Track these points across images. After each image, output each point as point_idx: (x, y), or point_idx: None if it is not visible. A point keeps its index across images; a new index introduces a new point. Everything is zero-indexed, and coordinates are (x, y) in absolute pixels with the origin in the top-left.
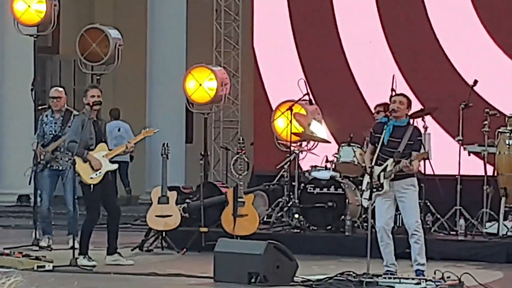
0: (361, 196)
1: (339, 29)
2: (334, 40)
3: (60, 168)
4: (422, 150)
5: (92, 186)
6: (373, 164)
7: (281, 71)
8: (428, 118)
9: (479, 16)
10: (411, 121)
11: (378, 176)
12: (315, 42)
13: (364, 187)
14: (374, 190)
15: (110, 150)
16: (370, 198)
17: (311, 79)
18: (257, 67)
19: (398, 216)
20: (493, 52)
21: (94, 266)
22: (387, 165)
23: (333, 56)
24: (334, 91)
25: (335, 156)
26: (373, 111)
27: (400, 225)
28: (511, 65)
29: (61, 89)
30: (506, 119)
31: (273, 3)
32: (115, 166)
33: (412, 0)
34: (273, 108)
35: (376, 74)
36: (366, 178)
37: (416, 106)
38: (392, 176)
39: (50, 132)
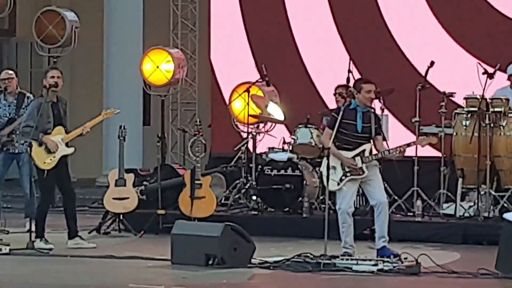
0: (321, 178)
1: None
2: (285, 24)
3: (16, 151)
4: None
5: (46, 171)
6: (332, 147)
7: (237, 52)
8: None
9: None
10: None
11: (354, 159)
12: (269, 23)
13: (326, 169)
14: (349, 174)
15: (67, 133)
16: (338, 183)
17: (265, 61)
18: (213, 49)
19: (357, 198)
20: (443, 38)
21: (51, 249)
22: (364, 149)
23: (285, 39)
24: (287, 74)
25: (292, 138)
26: (334, 92)
27: (358, 206)
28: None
29: (11, 71)
30: (464, 100)
31: None
32: (71, 150)
33: None
34: (230, 90)
35: (328, 61)
36: (333, 162)
37: None
38: (371, 161)
39: (5, 115)
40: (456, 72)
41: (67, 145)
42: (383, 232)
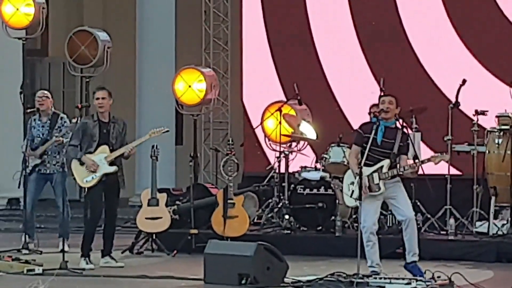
0: (343, 195)
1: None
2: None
3: (48, 171)
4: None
5: (86, 188)
6: (362, 164)
7: (270, 72)
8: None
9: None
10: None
11: (371, 176)
12: (302, 44)
13: (346, 186)
14: (368, 191)
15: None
16: (360, 199)
17: (298, 80)
18: (246, 68)
19: (388, 216)
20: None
21: (92, 269)
22: (382, 166)
23: (318, 58)
24: (322, 93)
25: (324, 157)
26: (369, 111)
27: (391, 225)
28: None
29: (46, 91)
30: (496, 118)
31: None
32: (113, 168)
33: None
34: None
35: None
36: (351, 178)
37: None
38: (389, 178)
39: (38, 136)
40: (483, 90)
41: (112, 164)
42: (411, 247)
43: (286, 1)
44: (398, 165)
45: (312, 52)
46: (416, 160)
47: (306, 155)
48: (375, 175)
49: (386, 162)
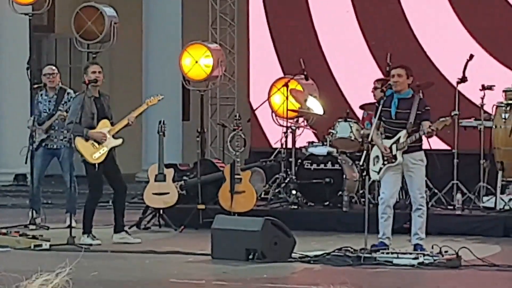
0: (362, 170)
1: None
2: (344, 16)
3: (55, 146)
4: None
5: (96, 165)
6: (371, 136)
7: (277, 47)
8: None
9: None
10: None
11: (390, 148)
12: (318, 16)
13: (364, 160)
14: (386, 162)
15: (113, 125)
16: (378, 172)
17: (307, 56)
18: (252, 43)
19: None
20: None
21: (98, 244)
22: (399, 137)
23: (329, 35)
24: (329, 69)
25: (331, 132)
26: (374, 86)
27: (399, 200)
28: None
29: (54, 67)
30: (503, 93)
31: None
32: (119, 141)
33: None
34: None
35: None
36: (375, 153)
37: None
38: (406, 148)
39: (44, 111)
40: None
41: (114, 137)
42: (416, 229)
43: None
44: (419, 132)
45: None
46: (423, 128)
47: (314, 130)
48: (394, 146)
49: (403, 133)
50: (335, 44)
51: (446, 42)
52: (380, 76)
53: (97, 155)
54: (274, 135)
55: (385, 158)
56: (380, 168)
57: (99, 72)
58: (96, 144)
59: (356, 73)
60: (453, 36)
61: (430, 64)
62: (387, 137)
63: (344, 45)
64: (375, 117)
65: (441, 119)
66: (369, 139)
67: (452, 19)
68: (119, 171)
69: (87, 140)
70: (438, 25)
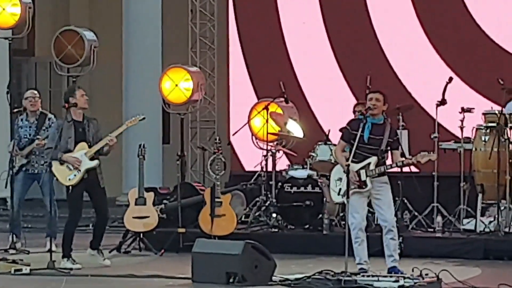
0: (330, 191)
1: (328, 30)
2: (318, 39)
3: (35, 171)
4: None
5: (71, 187)
6: (349, 161)
7: (257, 70)
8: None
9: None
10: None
11: (358, 173)
12: (294, 40)
13: (333, 182)
14: (355, 187)
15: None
16: (348, 196)
17: (286, 79)
18: (232, 66)
19: (372, 215)
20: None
21: (78, 268)
22: (369, 163)
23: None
24: (311, 90)
25: (311, 155)
26: (353, 110)
27: (377, 223)
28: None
29: (36, 91)
30: (483, 116)
31: (248, 2)
32: (94, 162)
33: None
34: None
35: (361, 71)
36: (338, 174)
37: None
38: (376, 175)
39: (25, 136)
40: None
41: (91, 159)
42: (390, 252)
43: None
44: (386, 162)
45: (285, 53)
46: (403, 159)
47: (294, 154)
48: (362, 171)
49: (373, 159)
50: (309, 70)
51: (419, 66)
52: (353, 100)
53: (71, 177)
54: (255, 158)
55: (354, 184)
56: (341, 190)
57: (82, 95)
58: (71, 167)
59: (329, 97)
60: (427, 61)
61: (402, 88)
62: (356, 162)
63: (318, 72)
64: (341, 139)
65: (426, 154)
66: (334, 154)
67: (425, 46)
68: (103, 197)
69: (62, 163)
70: (411, 50)
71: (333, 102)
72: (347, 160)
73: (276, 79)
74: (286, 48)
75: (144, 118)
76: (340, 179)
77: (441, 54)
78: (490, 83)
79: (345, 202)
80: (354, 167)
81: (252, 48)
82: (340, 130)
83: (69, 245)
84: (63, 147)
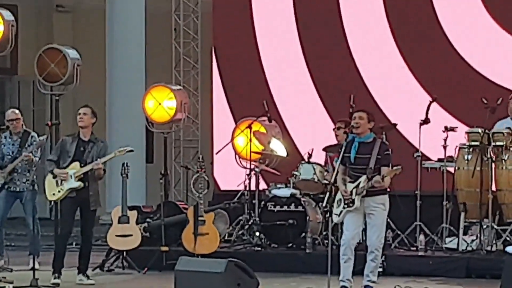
0: (325, 212)
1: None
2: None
3: (18, 189)
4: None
5: (52, 202)
6: (332, 180)
7: (240, 89)
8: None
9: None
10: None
11: (351, 192)
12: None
13: (327, 201)
14: (345, 206)
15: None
16: (339, 215)
17: (269, 97)
18: (216, 86)
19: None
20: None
21: (57, 284)
22: (360, 182)
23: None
24: (294, 109)
25: (294, 174)
26: (334, 127)
27: (361, 241)
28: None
29: (17, 111)
30: (466, 135)
31: (232, 22)
32: (77, 184)
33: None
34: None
35: (338, 93)
36: (339, 195)
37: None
38: (364, 192)
39: (8, 154)
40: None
41: (80, 180)
42: (368, 272)
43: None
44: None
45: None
46: (380, 174)
47: (277, 173)
48: (354, 191)
49: (363, 178)
50: (286, 91)
51: (394, 86)
52: (331, 123)
53: (55, 192)
54: (238, 177)
55: (346, 202)
56: (341, 212)
57: (84, 114)
58: (59, 182)
59: (306, 118)
60: (403, 82)
61: (378, 110)
62: (351, 181)
63: (295, 95)
64: (340, 163)
65: (389, 169)
66: (333, 181)
67: (402, 66)
68: (89, 220)
69: (54, 177)
70: (388, 71)
71: (310, 126)
72: (333, 178)
73: (254, 100)
74: (263, 69)
75: (132, 151)
76: (340, 200)
77: (419, 79)
78: (468, 107)
79: (331, 220)
80: (350, 187)
81: (230, 69)
82: (324, 149)
83: (58, 262)
84: (62, 163)
